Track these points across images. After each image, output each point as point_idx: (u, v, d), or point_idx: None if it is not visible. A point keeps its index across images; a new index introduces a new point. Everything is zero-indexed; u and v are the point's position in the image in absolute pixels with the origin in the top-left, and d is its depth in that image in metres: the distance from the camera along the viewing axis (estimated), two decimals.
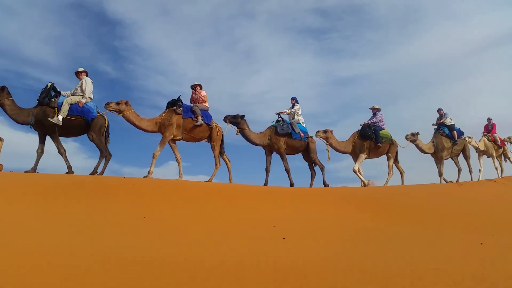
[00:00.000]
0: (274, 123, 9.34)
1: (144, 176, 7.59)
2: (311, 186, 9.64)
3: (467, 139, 11.50)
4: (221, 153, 8.88)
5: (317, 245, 3.28)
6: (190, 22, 32.43)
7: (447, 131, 11.35)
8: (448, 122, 11.48)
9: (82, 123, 7.56)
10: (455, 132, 11.36)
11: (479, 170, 13.18)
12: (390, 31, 34.00)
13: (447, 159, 11.48)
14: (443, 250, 3.11)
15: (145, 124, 8.05)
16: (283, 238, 3.44)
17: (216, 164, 8.60)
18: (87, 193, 5.23)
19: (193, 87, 8.89)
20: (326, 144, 9.71)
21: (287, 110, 9.63)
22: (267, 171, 9.12)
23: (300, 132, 9.37)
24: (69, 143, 7.81)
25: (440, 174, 11.05)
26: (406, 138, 10.50)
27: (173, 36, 32.92)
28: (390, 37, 34.01)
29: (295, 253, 2.82)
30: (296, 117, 9.58)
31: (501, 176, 12.88)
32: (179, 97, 8.47)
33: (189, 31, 33.10)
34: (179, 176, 8.21)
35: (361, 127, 10.18)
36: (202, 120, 8.42)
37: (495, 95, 30.87)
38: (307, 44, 34.50)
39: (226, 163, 8.92)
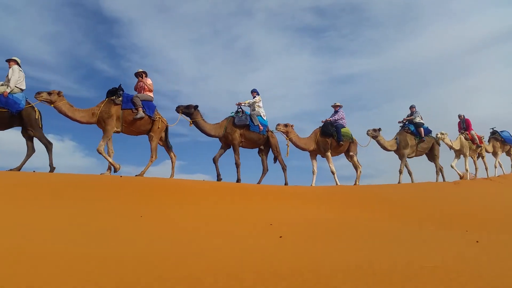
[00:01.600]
0: (232, 113, 8.87)
1: (101, 174, 7.35)
2: (259, 182, 9.03)
3: (439, 135, 11.02)
4: (168, 147, 8.45)
5: (314, 243, 3.29)
6: (188, 20, 32.38)
7: (412, 128, 11.01)
8: (417, 120, 11.11)
9: (5, 115, 7.08)
10: (421, 129, 10.99)
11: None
12: (388, 29, 34.11)
13: (411, 157, 11.11)
14: (439, 248, 3.12)
15: (80, 115, 7.47)
16: (280, 237, 3.45)
17: (151, 157, 8.09)
18: (83, 192, 5.21)
19: (138, 75, 8.27)
20: (286, 139, 9.33)
21: (247, 101, 9.10)
22: (214, 161, 8.54)
23: (259, 125, 8.89)
24: (66, 142, 7.75)
25: (401, 172, 10.63)
26: (368, 134, 10.21)
27: (170, 34, 32.86)
28: (388, 35, 34.13)
29: (292, 252, 2.82)
30: (256, 109, 9.10)
31: (475, 176, 12.36)
32: (120, 86, 7.84)
33: (187, 29, 33.05)
34: (107, 170, 7.57)
35: (322, 124, 9.86)
36: (144, 112, 7.83)
37: (493, 93, 31.04)
38: (305, 42, 34.57)
39: (171, 159, 8.46)
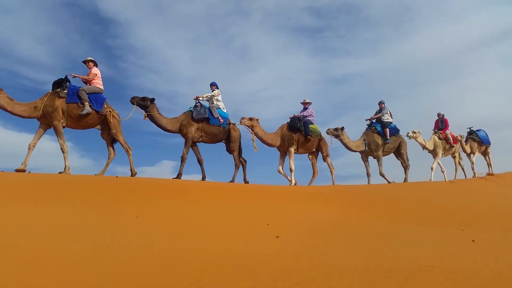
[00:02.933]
0: (191, 108, 8.57)
1: (59, 172, 7.14)
2: (232, 180, 8.69)
3: (411, 134, 10.62)
4: (111, 142, 8.00)
5: (311, 243, 3.29)
6: (184, 20, 32.38)
7: (379, 128, 10.66)
8: (386, 118, 10.76)
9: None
10: (387, 130, 10.63)
11: (462, 168, 12.67)
12: (385, 30, 34.28)
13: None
14: (435, 247, 3.13)
15: (20, 109, 7.10)
16: (277, 237, 3.44)
17: (109, 154, 8.02)
18: (79, 192, 5.18)
19: (85, 63, 7.99)
20: (252, 133, 9.04)
21: (205, 95, 8.74)
22: (182, 160, 8.13)
23: (219, 118, 8.58)
24: None
25: (382, 175, 10.42)
26: (327, 133, 9.93)
27: (167, 35, 32.85)
28: (385, 35, 34.29)
29: (288, 251, 2.82)
30: (215, 102, 8.81)
31: (446, 179, 11.92)
32: (66, 77, 7.49)
33: (183, 29, 33.06)
34: (22, 164, 7.00)
35: (290, 119, 9.55)
36: (91, 106, 7.44)
37: (488, 93, 31.27)
38: (302, 42, 34.66)
39: (109, 155, 7.97)
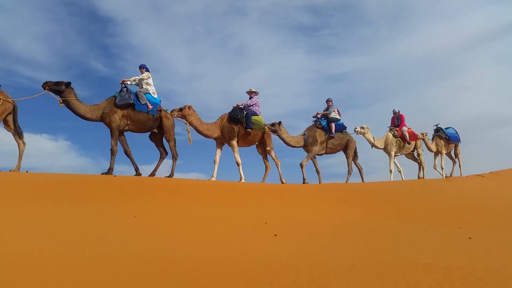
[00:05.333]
0: (116, 93, 7.76)
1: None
2: (153, 173, 8.16)
3: (358, 130, 10.15)
4: (16, 132, 7.25)
5: (308, 241, 3.30)
6: (181, 19, 32.35)
7: (324, 123, 10.13)
8: (332, 115, 10.26)
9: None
10: (333, 124, 10.07)
11: (422, 168, 11.75)
12: (381, 28, 34.31)
13: (320, 154, 10.27)
14: (432, 244, 3.15)
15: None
16: (275, 235, 3.46)
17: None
18: (77, 192, 5.18)
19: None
20: (186, 124, 8.25)
21: (132, 78, 7.97)
22: (112, 153, 7.45)
23: (148, 103, 7.78)
24: (60, 142, 7.64)
25: (302, 166, 9.66)
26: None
27: (164, 33, 32.80)
28: (381, 34, 34.34)
29: (287, 250, 2.83)
30: (144, 86, 8.04)
31: (419, 176, 11.62)
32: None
33: (180, 28, 33.01)
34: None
35: (232, 109, 8.79)
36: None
37: (484, 91, 31.39)
38: (298, 41, 34.66)
39: (19, 146, 7.24)
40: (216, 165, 8.50)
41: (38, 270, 2.06)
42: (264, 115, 9.33)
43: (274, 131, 9.46)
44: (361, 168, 10.90)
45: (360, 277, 1.96)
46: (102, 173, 7.27)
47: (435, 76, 34.46)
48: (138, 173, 7.82)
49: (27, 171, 6.97)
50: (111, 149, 7.46)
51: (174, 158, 8.29)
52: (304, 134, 9.96)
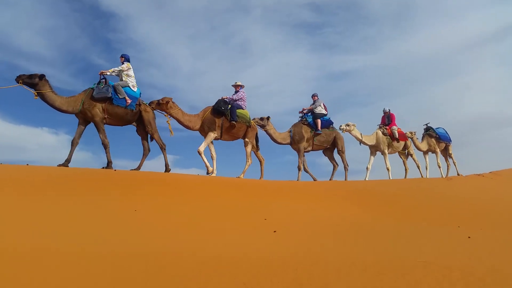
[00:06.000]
0: (94, 85, 7.57)
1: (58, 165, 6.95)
2: (139, 168, 7.99)
3: (343, 127, 9.92)
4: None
5: (308, 238, 3.30)
6: (184, 15, 32.29)
7: (310, 119, 9.89)
8: (318, 110, 10.02)
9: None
10: (318, 120, 9.84)
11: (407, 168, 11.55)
12: (384, 27, 34.23)
13: (307, 151, 10.02)
14: (431, 244, 3.15)
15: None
16: (274, 231, 3.46)
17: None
18: (78, 186, 5.18)
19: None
20: (166, 116, 8.04)
21: (111, 69, 7.76)
22: (73, 143, 7.28)
23: (126, 98, 7.58)
24: (61, 135, 7.64)
25: (299, 168, 9.59)
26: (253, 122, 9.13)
27: (167, 29, 32.76)
28: (384, 33, 34.25)
29: (287, 247, 2.83)
30: (124, 78, 7.80)
31: (405, 176, 11.39)
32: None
33: (183, 24, 32.97)
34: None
35: (216, 101, 8.57)
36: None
37: (486, 91, 31.35)
38: (301, 38, 34.61)
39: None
40: (214, 161, 8.41)
41: (37, 265, 2.06)
42: (267, 112, 9.27)
43: (262, 126, 9.28)
44: (337, 165, 10.58)
45: (360, 276, 1.96)
46: (103, 167, 7.27)
47: (436, 76, 34.44)
48: (66, 164, 7.24)
49: (27, 164, 6.97)
50: (102, 143, 7.43)
51: (163, 149, 8.11)
52: (290, 131, 9.75)
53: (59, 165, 7.06)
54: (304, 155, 9.92)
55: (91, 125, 7.72)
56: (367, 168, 10.50)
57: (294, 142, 9.65)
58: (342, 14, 34.13)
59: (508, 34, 29.31)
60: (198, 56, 34.09)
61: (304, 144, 9.67)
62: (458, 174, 12.40)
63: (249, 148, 8.87)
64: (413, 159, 11.69)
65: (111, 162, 7.38)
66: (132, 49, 30.86)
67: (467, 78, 32.62)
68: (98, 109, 7.38)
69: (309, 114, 10.06)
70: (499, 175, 12.33)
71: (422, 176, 11.64)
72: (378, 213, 5.50)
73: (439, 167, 11.82)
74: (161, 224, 3.64)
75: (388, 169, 10.55)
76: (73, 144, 7.37)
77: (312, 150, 10.04)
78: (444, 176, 11.86)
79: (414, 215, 5.44)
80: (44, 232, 2.90)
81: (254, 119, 9.14)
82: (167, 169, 8.07)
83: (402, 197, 7.02)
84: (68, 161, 7.18)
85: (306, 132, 9.74)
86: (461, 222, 4.80)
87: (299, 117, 10.15)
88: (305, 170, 10.01)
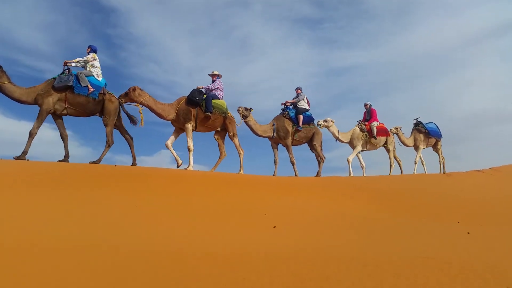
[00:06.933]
0: (57, 75, 7.39)
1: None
2: (134, 162, 7.88)
3: (321, 123, 9.78)
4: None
5: (308, 234, 3.32)
6: (185, 10, 32.16)
7: (292, 114, 9.67)
8: (301, 104, 9.80)
9: None
10: (301, 116, 9.63)
11: (391, 165, 11.20)
12: (385, 22, 34.09)
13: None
14: (431, 239, 3.17)
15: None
16: (274, 227, 3.47)
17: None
18: (78, 181, 5.19)
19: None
20: (137, 105, 7.82)
21: (75, 60, 7.55)
22: (63, 138, 7.31)
23: (89, 86, 7.36)
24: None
25: (293, 163, 9.43)
26: (238, 111, 8.97)
27: (167, 25, 32.63)
28: (385, 28, 34.12)
29: (286, 242, 2.84)
30: (89, 68, 7.63)
31: (390, 173, 11.05)
32: None
33: (184, 19, 32.85)
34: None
35: (191, 91, 8.29)
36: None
37: (487, 87, 31.30)
38: (302, 34, 34.49)
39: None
40: (172, 149, 8.17)
41: (36, 259, 2.07)
42: (267, 108, 9.25)
43: (245, 116, 9.03)
44: (323, 157, 10.18)
45: (360, 270, 1.97)
46: (15, 157, 6.80)
47: (437, 72, 34.36)
48: (65, 159, 7.31)
49: (27, 160, 6.98)
50: (30, 130, 7.02)
51: (108, 145, 7.71)
52: (273, 125, 9.48)
53: (60, 161, 7.07)
54: (277, 149, 9.75)
55: (90, 119, 7.72)
56: (347, 160, 10.29)
57: (280, 138, 9.49)
58: (343, 9, 33.99)
59: (509, 30, 29.22)
60: (198, 51, 34.03)
61: (290, 140, 9.52)
62: (444, 172, 11.99)
63: (236, 140, 8.72)
64: (389, 156, 11.31)
65: (26, 152, 6.96)
66: (132, 45, 30.77)
67: (469, 73, 32.58)
68: (51, 99, 7.13)
69: (291, 107, 9.88)
70: (499, 171, 12.33)
71: (402, 173, 11.36)
72: (378, 208, 5.51)
73: (415, 163, 11.56)
74: (161, 219, 3.65)
75: (348, 161, 10.24)
76: (63, 138, 7.37)
77: (291, 145, 9.77)
78: (426, 172, 11.67)
79: (413, 210, 5.45)
80: (43, 226, 2.91)
81: (238, 108, 8.97)
82: (95, 162, 7.45)
83: (401, 193, 7.04)
84: (67, 156, 7.21)
85: (289, 126, 9.56)
86: (460, 218, 4.81)
87: (281, 109, 9.93)
88: (274, 161, 9.75)
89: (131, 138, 8.13)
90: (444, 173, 11.86)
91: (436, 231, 3.67)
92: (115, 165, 7.03)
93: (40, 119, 7.07)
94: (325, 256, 2.28)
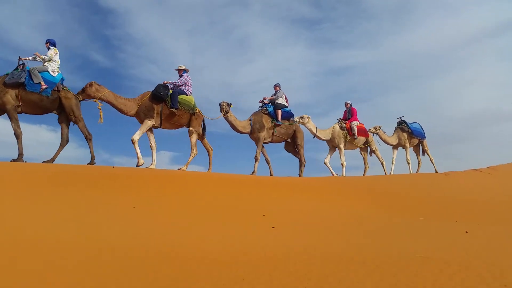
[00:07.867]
0: (9, 71, 7.06)
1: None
2: (53, 160, 7.30)
3: (297, 120, 9.54)
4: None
5: (306, 234, 3.31)
6: (183, 10, 32.13)
7: (270, 109, 9.50)
8: (279, 101, 9.65)
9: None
10: (279, 111, 9.45)
11: (365, 167, 11.12)
12: (384, 22, 34.17)
13: (266, 142, 9.55)
14: (429, 238, 3.17)
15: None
16: (272, 227, 3.47)
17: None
18: (76, 183, 5.17)
19: None
20: (96, 101, 7.50)
21: (41, 56, 7.31)
22: (16, 136, 6.96)
23: (42, 82, 7.00)
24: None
25: (256, 159, 9.08)
26: (220, 104, 8.74)
27: (166, 25, 32.63)
28: (384, 28, 34.21)
29: (285, 242, 2.84)
30: (47, 63, 7.35)
31: (364, 174, 11.02)
32: None
33: (182, 19, 32.85)
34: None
35: (156, 86, 7.93)
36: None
37: (486, 86, 31.40)
38: (301, 33, 34.55)
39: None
40: (154, 151, 7.97)
41: (36, 259, 2.07)
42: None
43: (226, 112, 8.77)
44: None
45: (357, 269, 1.97)
46: (13, 160, 6.77)
47: (437, 71, 34.45)
48: (19, 159, 6.95)
49: (25, 161, 6.95)
50: (14, 134, 6.89)
51: (88, 139, 7.55)
52: (251, 120, 9.27)
53: (13, 160, 6.75)
54: (263, 146, 9.61)
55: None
56: (342, 164, 10.15)
57: (254, 131, 9.21)
58: (341, 8, 34.08)
59: (508, 30, 29.33)
60: (197, 51, 34.02)
61: (264, 134, 9.25)
62: (435, 171, 11.84)
63: (194, 137, 8.24)
64: (377, 155, 11.28)
65: (22, 154, 6.92)
66: (130, 45, 30.74)
67: (468, 72, 32.67)
68: (10, 96, 6.83)
69: (270, 104, 9.73)
70: (496, 170, 12.37)
71: (385, 173, 11.23)
72: (375, 207, 5.52)
73: (408, 163, 11.47)
74: (159, 220, 3.64)
75: (342, 165, 10.19)
76: (17, 136, 6.98)
77: (271, 142, 9.65)
78: (412, 173, 11.50)
79: (411, 210, 5.46)
80: (42, 228, 2.90)
81: (222, 103, 8.71)
82: (91, 162, 7.45)
83: (399, 192, 7.05)
84: (21, 155, 6.88)
85: (267, 121, 9.36)
86: (458, 217, 4.82)
87: (259, 106, 9.80)
88: (266, 161, 9.72)
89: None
90: (436, 172, 11.83)
91: (435, 231, 3.67)
92: (113, 166, 7.01)
93: (13, 119, 6.89)
94: (323, 256, 2.28)
